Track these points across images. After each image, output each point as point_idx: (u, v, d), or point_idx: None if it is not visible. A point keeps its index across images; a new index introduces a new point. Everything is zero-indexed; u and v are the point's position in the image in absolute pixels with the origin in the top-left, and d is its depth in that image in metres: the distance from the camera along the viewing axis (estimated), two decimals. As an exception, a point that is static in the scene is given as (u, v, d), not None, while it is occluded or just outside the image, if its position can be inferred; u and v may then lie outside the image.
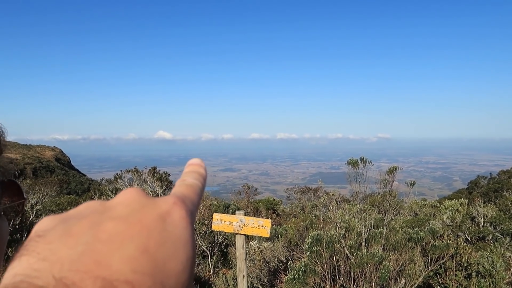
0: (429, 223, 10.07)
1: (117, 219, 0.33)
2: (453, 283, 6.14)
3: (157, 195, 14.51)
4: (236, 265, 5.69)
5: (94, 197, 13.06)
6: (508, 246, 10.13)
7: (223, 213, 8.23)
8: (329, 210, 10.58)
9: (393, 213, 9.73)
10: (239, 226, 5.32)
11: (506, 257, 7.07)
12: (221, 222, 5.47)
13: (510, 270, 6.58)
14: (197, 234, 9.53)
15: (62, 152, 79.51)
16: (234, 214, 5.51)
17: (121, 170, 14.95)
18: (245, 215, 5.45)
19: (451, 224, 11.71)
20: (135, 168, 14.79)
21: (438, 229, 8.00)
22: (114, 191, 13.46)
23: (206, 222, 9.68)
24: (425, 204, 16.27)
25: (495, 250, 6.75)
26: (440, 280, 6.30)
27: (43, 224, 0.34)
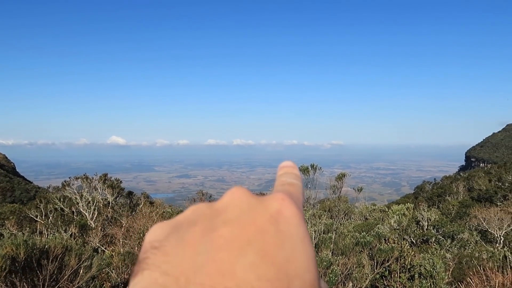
0: (377, 227, 10.49)
1: (230, 223, 0.32)
2: (398, 285, 6.43)
3: (108, 203, 14.08)
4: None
5: (40, 205, 12.40)
6: (448, 247, 10.75)
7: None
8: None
9: (343, 218, 10.05)
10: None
11: (446, 258, 7.51)
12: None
13: (449, 271, 6.99)
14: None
15: (6, 157, 75.37)
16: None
17: (69, 177, 14.39)
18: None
19: (398, 227, 12.26)
20: (84, 175, 14.30)
21: (385, 233, 8.36)
22: (61, 199, 12.90)
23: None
24: (375, 209, 16.92)
25: (435, 252, 7.15)
26: (385, 283, 6.58)
27: (155, 234, 0.33)
